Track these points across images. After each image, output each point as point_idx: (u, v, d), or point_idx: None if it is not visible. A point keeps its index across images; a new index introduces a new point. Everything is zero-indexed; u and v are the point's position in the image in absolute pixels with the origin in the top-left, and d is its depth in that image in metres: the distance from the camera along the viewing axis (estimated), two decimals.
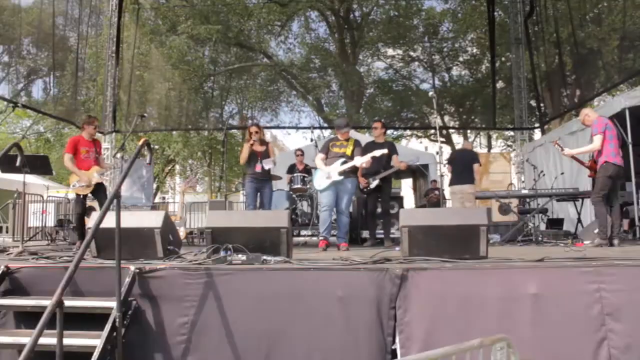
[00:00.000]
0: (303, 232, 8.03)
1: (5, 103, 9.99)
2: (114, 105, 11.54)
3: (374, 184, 6.42)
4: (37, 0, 13.05)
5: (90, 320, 3.12)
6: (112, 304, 3.02)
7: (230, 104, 19.78)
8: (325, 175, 5.65)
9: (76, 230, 6.20)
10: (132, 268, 3.30)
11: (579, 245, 5.57)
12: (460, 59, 19.16)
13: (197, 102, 16.37)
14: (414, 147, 20.69)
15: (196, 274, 3.31)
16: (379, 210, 6.82)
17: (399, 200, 7.98)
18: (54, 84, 11.21)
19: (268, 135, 7.01)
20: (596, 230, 5.46)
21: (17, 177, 5.94)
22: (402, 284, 3.16)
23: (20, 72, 12.11)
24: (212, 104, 17.46)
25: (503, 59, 15.62)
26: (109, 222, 3.05)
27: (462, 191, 7.70)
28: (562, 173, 8.61)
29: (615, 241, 5.32)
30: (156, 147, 18.66)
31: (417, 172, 13.54)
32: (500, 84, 15.85)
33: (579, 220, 7.21)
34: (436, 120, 8.49)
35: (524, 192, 7.88)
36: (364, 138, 8.51)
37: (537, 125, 12.55)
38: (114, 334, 2.95)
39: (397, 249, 4.95)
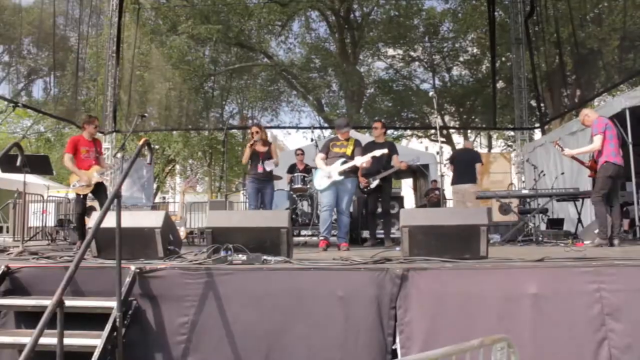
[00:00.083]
0: (303, 232, 8.03)
1: (6, 103, 10.00)
2: (115, 105, 11.54)
3: (374, 183, 6.42)
4: (37, 0, 13.06)
5: (91, 320, 3.12)
6: (113, 303, 3.03)
7: (230, 104, 19.81)
8: (326, 175, 5.65)
9: (76, 230, 6.19)
10: (133, 268, 3.30)
11: (579, 245, 5.57)
12: (461, 59, 19.17)
13: (197, 102, 16.38)
14: (415, 147, 20.67)
15: (196, 273, 3.31)
16: (380, 210, 6.82)
17: (400, 200, 7.98)
18: (54, 84, 11.22)
19: (269, 135, 6.98)
20: (596, 231, 5.46)
21: (18, 176, 5.94)
22: (402, 284, 3.16)
23: (20, 71, 12.12)
24: (212, 103, 17.47)
25: (503, 59, 15.62)
26: (110, 222, 3.06)
27: (463, 190, 7.72)
28: (563, 173, 8.61)
29: (616, 241, 5.32)
30: (156, 147, 18.67)
31: (418, 172, 13.55)
32: (500, 84, 15.85)
33: (579, 221, 7.21)
34: (436, 120, 8.48)
35: (525, 192, 7.88)
36: (364, 138, 8.50)
37: (537, 125, 12.53)
38: (115, 333, 2.95)
39: (397, 249, 4.95)
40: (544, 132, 12.41)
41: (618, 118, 6.40)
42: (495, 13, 13.50)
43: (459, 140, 20.97)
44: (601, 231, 5.31)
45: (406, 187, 17.16)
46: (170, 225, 4.15)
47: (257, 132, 6.41)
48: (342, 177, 5.60)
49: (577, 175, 8.08)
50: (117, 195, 2.96)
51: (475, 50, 18.83)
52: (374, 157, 5.74)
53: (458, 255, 3.56)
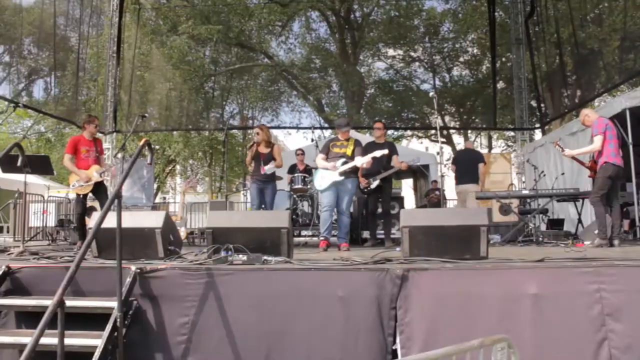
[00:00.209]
0: (304, 233, 8.02)
1: (7, 103, 10.01)
2: (115, 105, 11.55)
3: (374, 184, 6.42)
4: (38, 0, 13.07)
5: (91, 320, 3.13)
6: (113, 304, 3.03)
7: (231, 104, 19.84)
8: (326, 175, 5.66)
9: (77, 230, 6.19)
10: (133, 268, 3.30)
11: (580, 245, 5.57)
12: (461, 59, 19.18)
13: (197, 102, 16.40)
14: (415, 147, 20.69)
15: (197, 274, 3.32)
16: (380, 210, 6.82)
17: (400, 200, 7.98)
18: (55, 84, 11.24)
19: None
20: (596, 231, 5.46)
21: (18, 177, 5.93)
22: (402, 284, 3.16)
23: (21, 72, 12.15)
24: (212, 104, 17.49)
25: (504, 59, 15.62)
26: (110, 222, 3.06)
27: (465, 191, 7.73)
28: (563, 173, 8.61)
29: (616, 241, 5.32)
30: (157, 147, 18.67)
31: (418, 173, 13.56)
32: (500, 84, 15.86)
33: (580, 221, 7.21)
34: (437, 120, 8.46)
35: (525, 192, 7.87)
36: (365, 138, 8.51)
37: (537, 125, 12.54)
38: (115, 333, 2.96)
39: (397, 249, 4.95)
40: (544, 133, 12.41)
41: (618, 118, 6.40)
42: (496, 13, 13.51)
43: (459, 141, 20.98)
44: (601, 231, 5.31)
45: (406, 187, 17.15)
46: (170, 226, 4.16)
47: (257, 134, 6.41)
48: (342, 178, 5.60)
49: (578, 176, 8.08)
50: (118, 195, 2.96)
51: (475, 51, 18.85)
52: (374, 158, 5.74)
53: (458, 255, 3.57)
